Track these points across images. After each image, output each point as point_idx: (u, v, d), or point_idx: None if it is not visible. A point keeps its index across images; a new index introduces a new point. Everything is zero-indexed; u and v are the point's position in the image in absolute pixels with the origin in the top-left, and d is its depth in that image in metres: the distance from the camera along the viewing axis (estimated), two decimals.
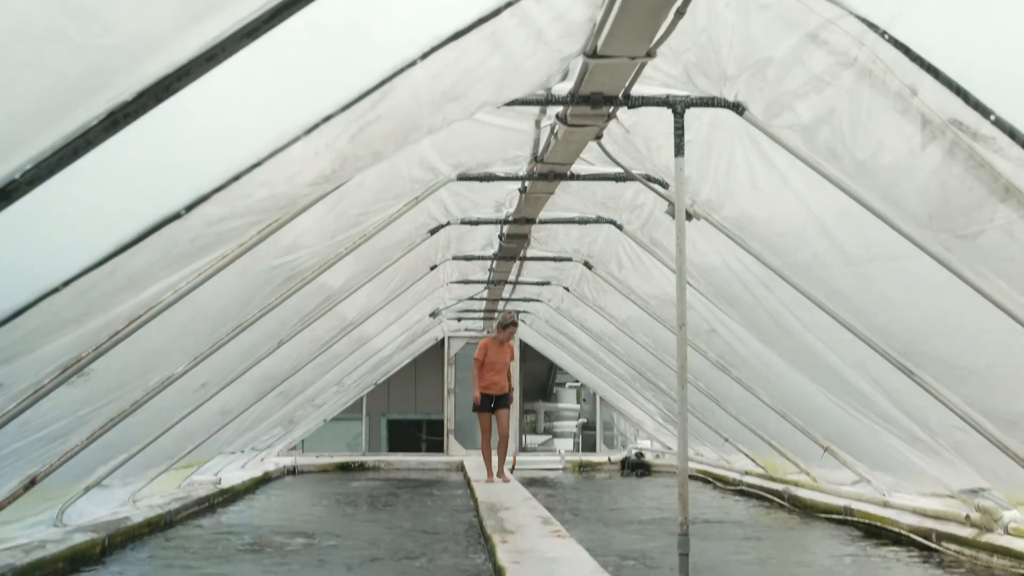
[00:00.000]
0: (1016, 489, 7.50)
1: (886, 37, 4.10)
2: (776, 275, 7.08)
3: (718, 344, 10.35)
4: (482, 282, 13.17)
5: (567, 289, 12.90)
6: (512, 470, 14.47)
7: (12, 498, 6.79)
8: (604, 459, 20.59)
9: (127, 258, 4.32)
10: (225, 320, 7.22)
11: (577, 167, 7.24)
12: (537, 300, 14.96)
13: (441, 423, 22.30)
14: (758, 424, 12.21)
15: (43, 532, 8.11)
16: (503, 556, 7.27)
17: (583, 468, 20.12)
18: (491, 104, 5.46)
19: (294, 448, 20.13)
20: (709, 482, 16.07)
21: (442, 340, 21.45)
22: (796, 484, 12.54)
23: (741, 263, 7.44)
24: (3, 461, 6.16)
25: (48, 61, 2.80)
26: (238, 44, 3.13)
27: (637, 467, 19.61)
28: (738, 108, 5.39)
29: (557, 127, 6.21)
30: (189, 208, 4.30)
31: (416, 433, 23.09)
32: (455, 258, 11.09)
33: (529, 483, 14.69)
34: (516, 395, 14.41)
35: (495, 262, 11.50)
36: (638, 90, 5.48)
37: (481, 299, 14.81)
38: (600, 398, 22.37)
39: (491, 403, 13.67)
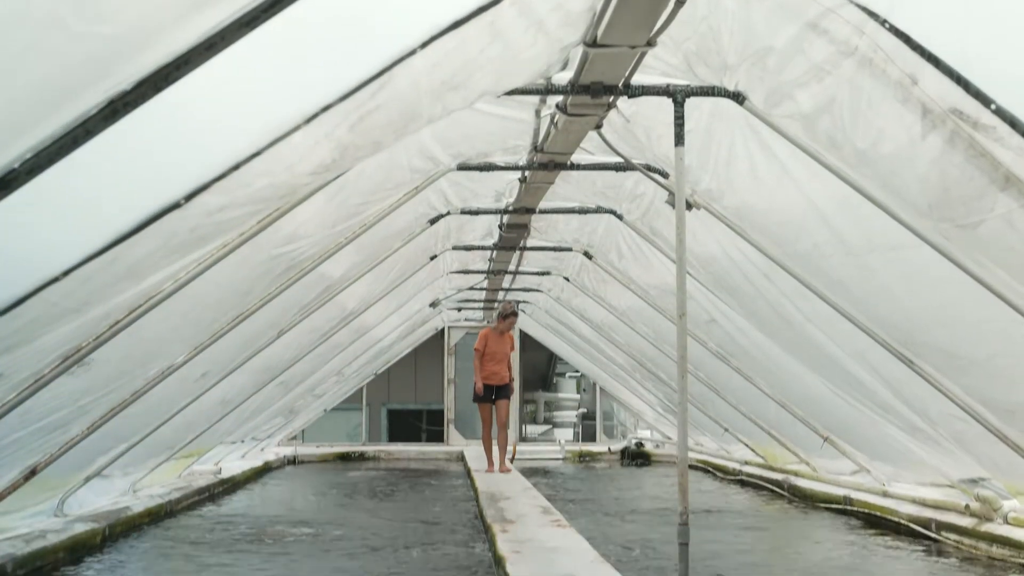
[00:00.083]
0: (1016, 479, 7.51)
1: (886, 26, 4.10)
2: (776, 265, 7.08)
3: (718, 334, 10.36)
4: (482, 272, 13.16)
5: (567, 279, 12.89)
6: (512, 460, 14.47)
7: (13, 488, 6.79)
8: (604, 449, 20.61)
9: (127, 248, 4.31)
10: (225, 310, 7.22)
11: (577, 157, 7.23)
12: (537, 290, 14.95)
13: (441, 413, 22.31)
14: (758, 414, 12.22)
15: (44, 522, 8.12)
16: (503, 546, 7.28)
17: (583, 458, 20.14)
18: (491, 93, 5.45)
19: (294, 438, 20.14)
20: (709, 472, 16.09)
21: (442, 330, 21.45)
22: (796, 474, 12.55)
23: (741, 253, 7.44)
24: (4, 451, 6.16)
25: (47, 50, 2.79)
26: (237, 33, 3.13)
27: (637, 457, 19.64)
28: (738, 97, 5.38)
29: (557, 116, 6.21)
30: (189, 197, 4.29)
31: (416, 423, 23.10)
32: (455, 248, 11.09)
33: (529, 473, 14.71)
34: (516, 385, 14.35)
35: (495, 252, 11.50)
36: (638, 79, 5.47)
37: (481, 289, 14.81)
38: (600, 388, 22.38)
39: (492, 394, 13.65)
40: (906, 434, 8.31)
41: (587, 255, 10.98)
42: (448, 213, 9.03)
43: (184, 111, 3.56)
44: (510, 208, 9.04)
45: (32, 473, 6.85)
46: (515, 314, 13.64)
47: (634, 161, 6.85)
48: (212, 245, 5.41)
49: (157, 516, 10.30)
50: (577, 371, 22.83)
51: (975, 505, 8.16)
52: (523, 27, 4.59)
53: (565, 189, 8.43)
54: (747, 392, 11.51)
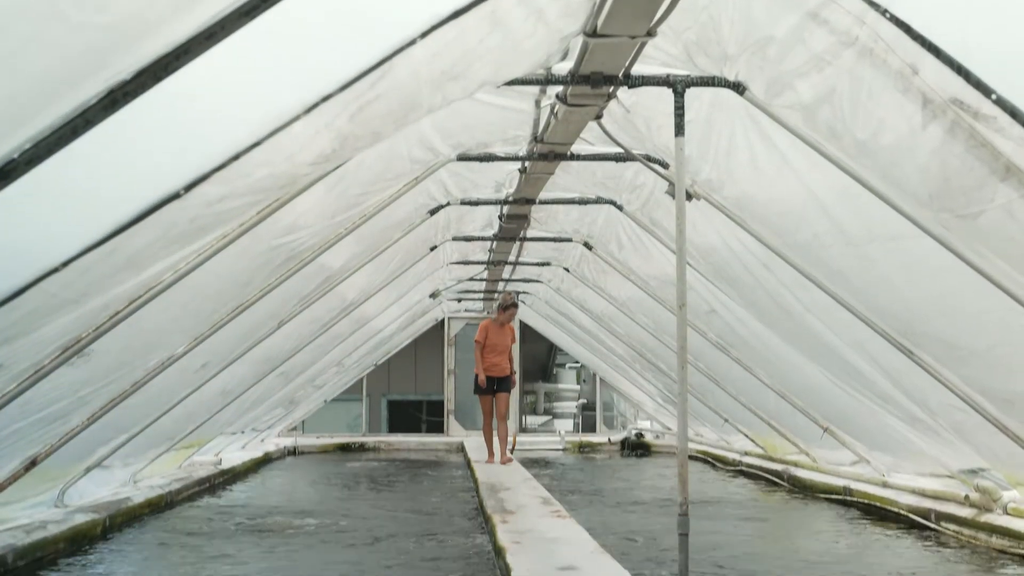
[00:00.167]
0: (1015, 469, 7.51)
1: (887, 16, 4.09)
2: (776, 255, 7.08)
3: (718, 324, 10.36)
4: (482, 263, 13.16)
5: (567, 270, 12.89)
6: (512, 450, 14.48)
7: (13, 479, 6.80)
8: (604, 440, 20.63)
9: (126, 238, 4.31)
10: (225, 300, 7.22)
11: (577, 147, 7.23)
12: (537, 281, 14.95)
13: (441, 404, 22.34)
14: (758, 404, 12.23)
15: (44, 513, 8.13)
16: (503, 536, 7.29)
17: (583, 449, 20.16)
18: (491, 83, 5.45)
19: (295, 429, 20.16)
20: (709, 462, 16.10)
21: (442, 321, 21.46)
22: (796, 464, 12.57)
23: (741, 243, 7.44)
24: (4, 442, 6.16)
25: (46, 40, 2.79)
26: (237, 23, 3.12)
27: (637, 448, 19.66)
28: (739, 88, 5.37)
29: (557, 107, 6.20)
30: (188, 188, 4.29)
31: (416, 414, 23.12)
32: (455, 239, 11.09)
33: (529, 464, 14.72)
34: (517, 377, 14.32)
35: (495, 243, 11.49)
36: (638, 69, 5.46)
37: (481, 280, 14.81)
38: (600, 379, 22.41)
39: (493, 386, 13.64)
40: (906, 424, 8.32)
41: (587, 246, 10.97)
42: (448, 203, 9.03)
43: (184, 101, 3.55)
44: (510, 199, 9.04)
45: (32, 464, 6.85)
46: (515, 305, 13.61)
47: (634, 151, 6.85)
48: (212, 235, 5.40)
49: (158, 507, 10.32)
50: (577, 362, 22.83)
51: (975, 495, 8.17)
52: (523, 17, 4.58)
53: (565, 179, 8.43)
54: (747, 382, 11.52)
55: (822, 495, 11.18)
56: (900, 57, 4.19)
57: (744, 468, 14.51)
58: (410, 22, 4.15)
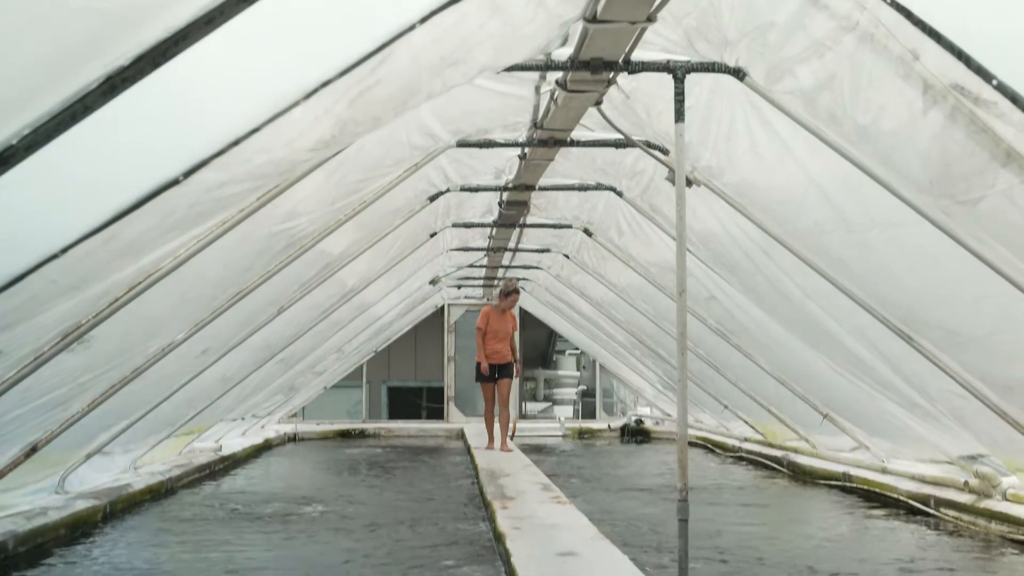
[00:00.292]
0: (1015, 455, 7.53)
1: (888, 1, 4.08)
2: (776, 242, 7.07)
3: (718, 311, 10.36)
4: (482, 249, 13.15)
5: (567, 256, 12.89)
6: (512, 437, 14.49)
7: (13, 465, 6.81)
8: (604, 426, 20.65)
9: (126, 224, 4.31)
10: (225, 287, 7.22)
11: (577, 133, 7.21)
12: (537, 267, 14.95)
13: (441, 390, 22.35)
14: (757, 391, 12.24)
15: (45, 499, 8.15)
16: (503, 522, 7.30)
17: (583, 435, 20.18)
18: (490, 69, 5.43)
19: (295, 415, 20.18)
20: (709, 449, 16.12)
21: (442, 307, 21.46)
22: (795, 450, 12.59)
23: (741, 230, 7.44)
24: (4, 428, 6.17)
25: (45, 26, 2.78)
26: (236, 8, 3.12)
27: (637, 434, 19.69)
28: (739, 73, 5.36)
29: (557, 93, 6.19)
30: (188, 174, 4.28)
31: (416, 400, 23.14)
32: (455, 225, 11.08)
33: (529, 450, 14.74)
34: (520, 365, 14.28)
35: (495, 229, 11.49)
36: (638, 55, 5.45)
37: (481, 266, 14.81)
38: (600, 365, 22.42)
39: (494, 373, 13.62)
40: (905, 411, 8.33)
41: (587, 232, 10.97)
42: (448, 190, 9.02)
43: (182, 87, 3.54)
44: (510, 185, 9.03)
45: (33, 450, 6.86)
46: (517, 291, 13.56)
47: (634, 138, 6.84)
48: (211, 222, 5.40)
49: (158, 493, 10.33)
50: (577, 348, 22.84)
51: (974, 481, 8.18)
52: (523, 2, 4.57)
53: (565, 166, 8.42)
54: (747, 369, 11.53)
55: (821, 481, 11.20)
56: (901, 42, 4.19)
57: (744, 454, 14.53)
58: (409, 7, 4.14)
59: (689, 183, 6.70)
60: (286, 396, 16.45)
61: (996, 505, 7.90)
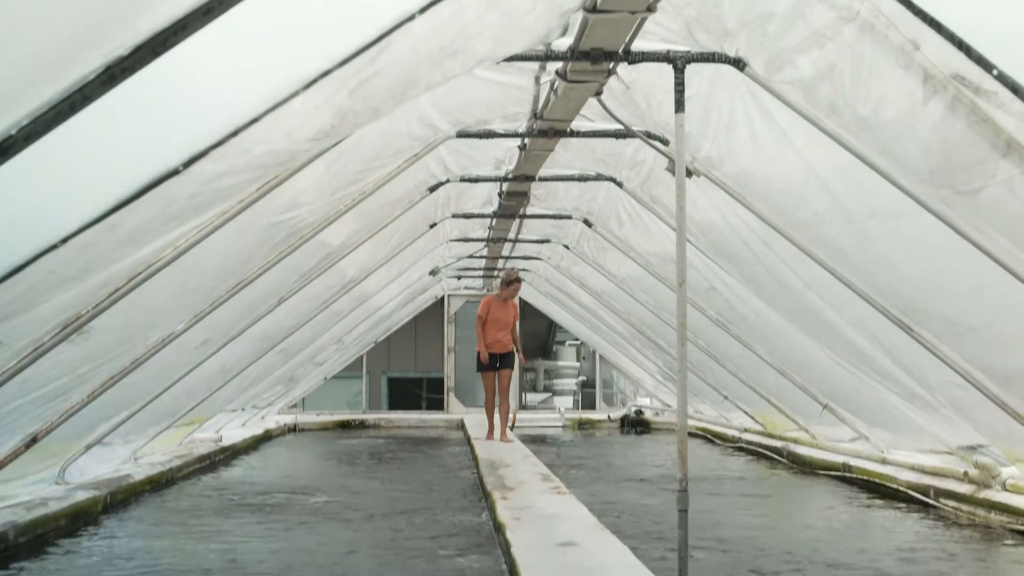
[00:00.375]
0: (1014, 445, 7.53)
1: None
2: (776, 232, 7.07)
3: (717, 302, 10.36)
4: (482, 240, 13.15)
5: (567, 247, 12.88)
6: (512, 427, 14.49)
7: (14, 456, 6.81)
8: (604, 417, 20.68)
9: (126, 215, 4.30)
10: (225, 277, 7.22)
11: (577, 124, 7.20)
12: (537, 258, 14.94)
13: (441, 381, 22.37)
14: (757, 381, 12.25)
15: (45, 490, 8.16)
16: (503, 512, 7.31)
17: (583, 426, 20.20)
18: (490, 60, 5.42)
19: (295, 406, 20.20)
20: (708, 439, 16.13)
21: (442, 298, 21.47)
22: (795, 441, 12.60)
23: (741, 220, 7.43)
24: (4, 419, 6.17)
25: (44, 16, 2.77)
26: None
27: (636, 424, 19.70)
28: (739, 64, 5.35)
29: (557, 83, 6.18)
30: (187, 164, 4.28)
31: (416, 391, 23.17)
32: (455, 216, 11.07)
33: (529, 441, 14.75)
34: (521, 355, 14.23)
35: (495, 220, 11.48)
36: (638, 45, 5.44)
37: (481, 257, 14.80)
38: (600, 356, 22.44)
39: (495, 362, 13.58)
40: (905, 401, 8.33)
41: (587, 223, 10.96)
42: (447, 181, 9.01)
43: (182, 77, 3.53)
44: (510, 176, 9.02)
45: (33, 441, 6.86)
46: (519, 280, 13.47)
47: (634, 128, 6.83)
48: (211, 212, 5.40)
49: (158, 484, 10.35)
50: (577, 339, 22.86)
51: (974, 472, 8.19)
52: None
53: (565, 156, 8.41)
54: (746, 359, 11.53)
55: (821, 472, 11.21)
56: (901, 32, 4.18)
57: (743, 445, 14.54)
58: None
59: (689, 173, 6.69)
60: (286, 387, 16.46)
61: (996, 495, 7.91)
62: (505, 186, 9.48)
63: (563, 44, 5.47)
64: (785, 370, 10.79)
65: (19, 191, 3.70)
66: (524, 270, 16.18)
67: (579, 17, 5.03)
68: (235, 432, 14.96)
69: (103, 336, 5.98)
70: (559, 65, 5.83)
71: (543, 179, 9.15)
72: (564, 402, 22.83)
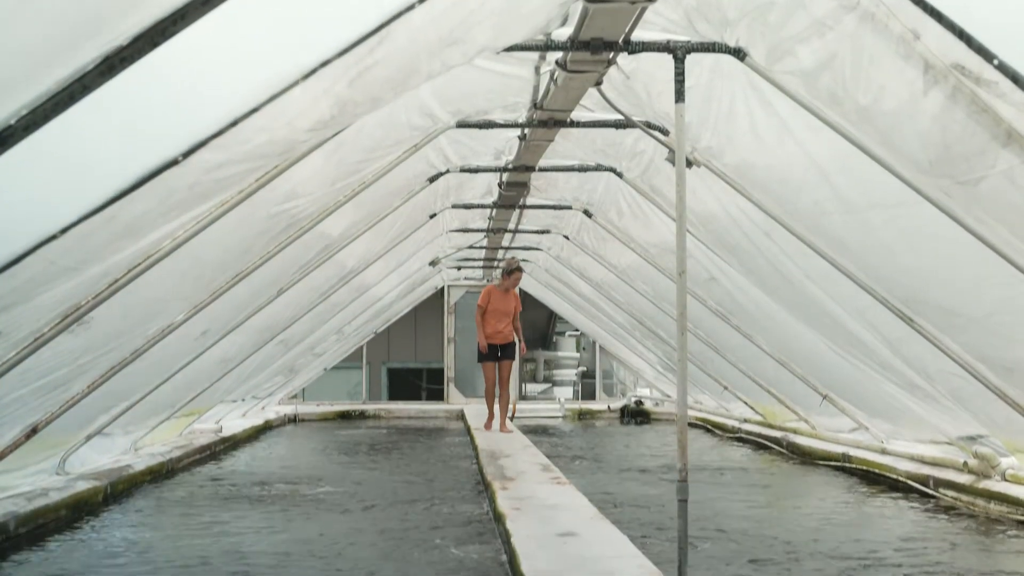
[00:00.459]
0: (1014, 436, 7.54)
1: None
2: (776, 223, 7.06)
3: (718, 292, 10.36)
4: (482, 230, 13.13)
5: (567, 237, 12.87)
6: (512, 418, 14.49)
7: (14, 446, 6.82)
8: (603, 407, 20.70)
9: (125, 205, 4.29)
10: (225, 268, 7.22)
11: (577, 114, 7.20)
12: (537, 248, 14.94)
13: (441, 371, 22.38)
14: (757, 372, 12.25)
15: (45, 480, 8.16)
16: (503, 503, 7.32)
17: (583, 416, 20.22)
18: (490, 49, 5.41)
19: (295, 396, 20.22)
20: (708, 430, 16.15)
21: (442, 289, 21.47)
22: (795, 431, 12.61)
23: (741, 211, 7.42)
24: (4, 409, 6.18)
25: (42, 5, 2.77)
26: None
27: (636, 415, 19.72)
28: (739, 54, 5.34)
29: (557, 73, 6.17)
30: (187, 154, 4.27)
31: (416, 381, 23.19)
32: (454, 206, 11.06)
33: (529, 431, 14.76)
34: (524, 344, 14.19)
35: (495, 210, 11.47)
36: (638, 35, 5.42)
37: (481, 248, 14.79)
38: (600, 347, 22.44)
39: (496, 353, 13.54)
40: (905, 392, 8.33)
41: (587, 213, 10.96)
42: (447, 171, 9.00)
43: (181, 66, 3.53)
44: (509, 166, 9.01)
45: (33, 431, 6.87)
46: (520, 270, 13.34)
47: (634, 118, 6.82)
48: (211, 203, 5.39)
49: (158, 474, 10.35)
50: (577, 330, 22.87)
51: (973, 462, 8.20)
52: None
53: (565, 147, 8.40)
54: (746, 350, 11.53)
55: (821, 462, 11.22)
56: (901, 22, 4.17)
57: (743, 435, 14.55)
58: None
59: (689, 164, 6.68)
60: (286, 377, 16.47)
61: (995, 485, 7.92)
62: (505, 176, 9.47)
63: (563, 34, 5.46)
64: (785, 360, 10.79)
65: (18, 181, 3.69)
66: (524, 260, 16.17)
67: (579, 7, 5.02)
68: (235, 423, 14.98)
69: (103, 326, 5.98)
70: (559, 55, 5.82)
71: (543, 169, 9.14)
72: (564, 392, 22.84)
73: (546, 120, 7.20)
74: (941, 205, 5.14)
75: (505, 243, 14.44)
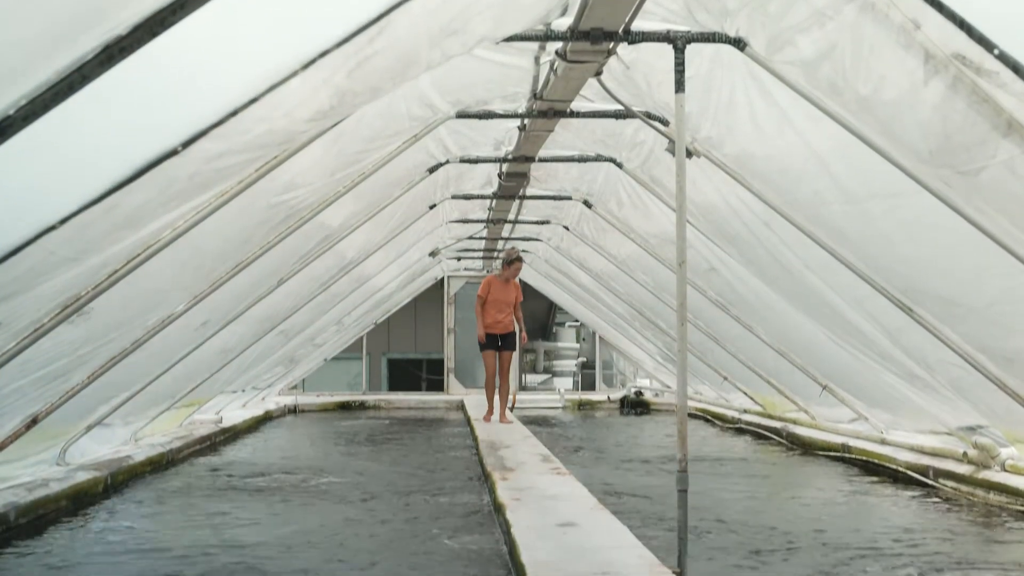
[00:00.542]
0: (1013, 426, 7.54)
1: None
2: (776, 213, 7.06)
3: (717, 283, 10.36)
4: (481, 221, 13.12)
5: (567, 228, 12.86)
6: (512, 408, 14.50)
7: (14, 437, 6.82)
8: (603, 398, 20.71)
9: (124, 195, 4.29)
10: (225, 258, 7.21)
11: (577, 104, 7.18)
12: (537, 239, 14.93)
13: (441, 362, 22.38)
14: (757, 362, 12.26)
15: (46, 471, 8.17)
16: (503, 493, 7.33)
17: (582, 407, 20.23)
18: (490, 39, 5.40)
19: (295, 387, 20.22)
20: (708, 420, 16.16)
21: (442, 279, 21.46)
22: (794, 422, 12.62)
23: (741, 201, 7.42)
24: (4, 400, 6.18)
25: None
26: None
27: (636, 406, 19.73)
28: (739, 43, 5.33)
29: (556, 63, 6.16)
30: (186, 144, 4.26)
31: (416, 372, 23.19)
32: (454, 197, 11.05)
33: (529, 422, 14.77)
34: (525, 334, 14.15)
35: (494, 201, 11.46)
36: (638, 25, 5.41)
37: (480, 238, 14.78)
38: (599, 337, 22.44)
39: (497, 342, 13.50)
40: (904, 382, 8.34)
41: (587, 204, 10.94)
42: (447, 162, 8.99)
43: (180, 56, 3.52)
44: (509, 156, 9.00)
45: (33, 422, 6.87)
46: (520, 260, 13.31)
47: (634, 108, 6.81)
48: (211, 193, 5.38)
49: (159, 465, 10.36)
50: (577, 320, 22.86)
51: (973, 453, 8.20)
52: None
53: (564, 137, 8.39)
54: (746, 340, 11.54)
55: (820, 452, 11.23)
56: (902, 12, 4.16)
57: (743, 425, 14.56)
58: None
59: (689, 154, 6.68)
60: (286, 368, 16.48)
61: (994, 476, 7.93)
62: (505, 167, 9.46)
63: (563, 24, 5.45)
64: (785, 351, 10.79)
65: (17, 171, 3.69)
66: (524, 251, 16.16)
67: None
68: (235, 413, 14.98)
69: (103, 317, 5.98)
70: (559, 45, 5.81)
71: (543, 160, 9.13)
72: (564, 383, 22.85)
73: (546, 110, 7.19)
74: (941, 195, 5.14)
75: (505, 234, 14.44)
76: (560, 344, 24.07)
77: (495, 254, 16.06)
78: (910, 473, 9.07)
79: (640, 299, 14.09)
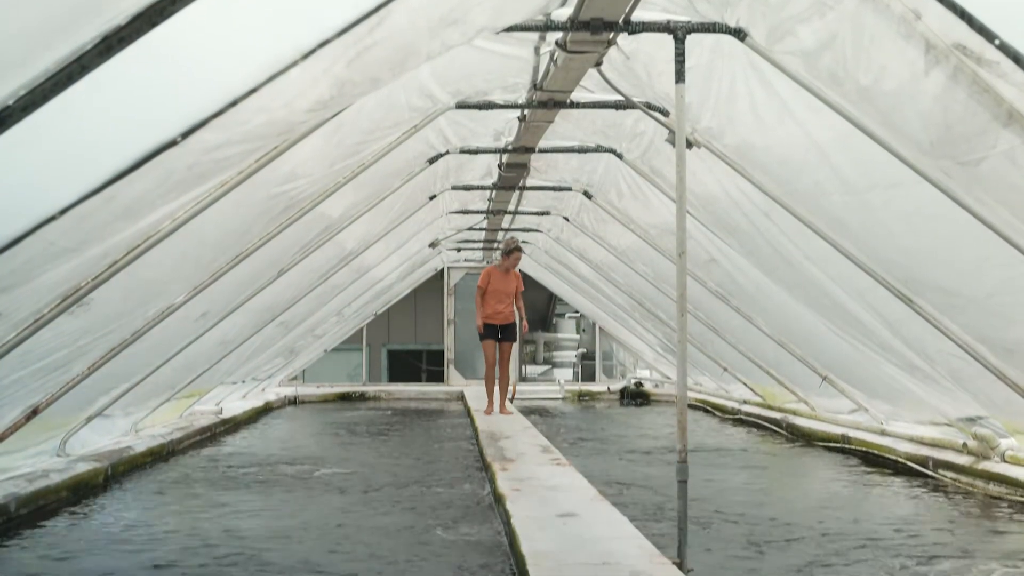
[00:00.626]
0: (1013, 417, 7.54)
1: None
2: (776, 204, 7.05)
3: (717, 273, 10.36)
4: (481, 212, 13.11)
5: (567, 219, 12.85)
6: (512, 399, 14.50)
7: (14, 428, 6.82)
8: (603, 389, 20.71)
9: (124, 186, 4.28)
10: (225, 249, 7.20)
11: (577, 95, 7.18)
12: (537, 230, 14.91)
13: (441, 353, 22.40)
14: (757, 353, 12.26)
15: (46, 462, 8.18)
16: (503, 484, 7.33)
17: (582, 398, 20.24)
18: (489, 29, 5.39)
19: (295, 378, 20.24)
20: (708, 411, 16.16)
21: (442, 270, 21.46)
22: (794, 413, 12.62)
23: (741, 192, 7.41)
24: (4, 391, 6.18)
25: None
26: None
27: (636, 396, 19.74)
28: (740, 34, 5.32)
29: (557, 54, 6.15)
30: (186, 135, 4.25)
31: (416, 363, 23.20)
32: (454, 188, 11.04)
33: (529, 412, 14.77)
34: (526, 323, 14.12)
35: (494, 192, 11.45)
36: (639, 15, 5.40)
37: (481, 229, 14.78)
38: (599, 328, 22.45)
39: (497, 333, 13.45)
40: (904, 373, 8.34)
41: (587, 195, 10.93)
42: (447, 152, 8.98)
43: (180, 46, 3.51)
44: (509, 147, 8.99)
45: (33, 413, 6.87)
46: (519, 249, 13.26)
47: (634, 99, 6.80)
48: (210, 183, 5.38)
49: (159, 456, 10.37)
50: (577, 311, 22.87)
51: (972, 443, 8.21)
52: None
53: (564, 128, 8.38)
54: (746, 331, 11.54)
55: (820, 443, 11.24)
56: (903, 1, 4.16)
57: (743, 417, 14.57)
58: None
59: (689, 145, 6.67)
60: (286, 359, 16.48)
61: (994, 467, 7.93)
62: (505, 157, 9.45)
63: (563, 14, 5.44)
64: (785, 342, 10.79)
65: (16, 162, 3.68)
66: (524, 242, 16.14)
67: None
68: (235, 404, 14.99)
69: (103, 308, 5.98)
70: (559, 35, 5.79)
71: (543, 151, 9.12)
72: (564, 374, 22.87)
73: (546, 101, 7.18)
74: (942, 186, 5.14)
75: (505, 224, 14.42)
76: (560, 335, 24.07)
77: (495, 245, 16.05)
78: (910, 464, 9.08)
79: (640, 290, 14.09)
